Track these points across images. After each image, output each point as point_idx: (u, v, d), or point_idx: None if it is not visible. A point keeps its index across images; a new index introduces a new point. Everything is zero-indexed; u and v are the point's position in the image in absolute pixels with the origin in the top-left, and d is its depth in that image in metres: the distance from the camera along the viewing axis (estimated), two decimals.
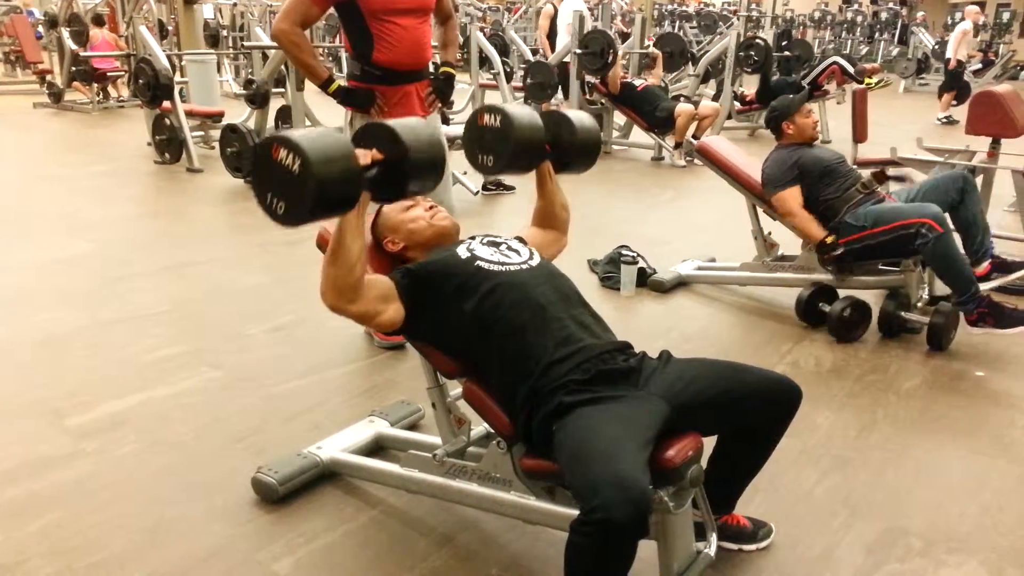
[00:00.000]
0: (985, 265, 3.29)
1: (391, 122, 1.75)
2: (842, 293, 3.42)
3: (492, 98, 9.44)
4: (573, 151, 2.08)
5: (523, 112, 1.97)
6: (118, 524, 2.03)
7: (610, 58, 6.97)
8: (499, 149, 1.95)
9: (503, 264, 1.85)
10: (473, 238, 1.97)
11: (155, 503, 2.13)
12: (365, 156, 1.67)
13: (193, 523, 2.05)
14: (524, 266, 1.87)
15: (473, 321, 1.78)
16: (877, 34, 20.00)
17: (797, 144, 3.50)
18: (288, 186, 1.55)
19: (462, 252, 1.88)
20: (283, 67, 6.39)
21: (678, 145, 7.08)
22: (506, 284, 1.80)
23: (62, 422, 2.52)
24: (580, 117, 2.10)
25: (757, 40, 8.37)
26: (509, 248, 1.93)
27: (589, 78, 7.35)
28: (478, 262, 1.84)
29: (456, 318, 1.80)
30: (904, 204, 3.30)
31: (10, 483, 2.19)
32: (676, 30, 14.81)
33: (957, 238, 3.23)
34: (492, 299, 1.78)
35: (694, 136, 6.98)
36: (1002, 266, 3.42)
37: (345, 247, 1.68)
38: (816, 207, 3.41)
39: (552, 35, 8.08)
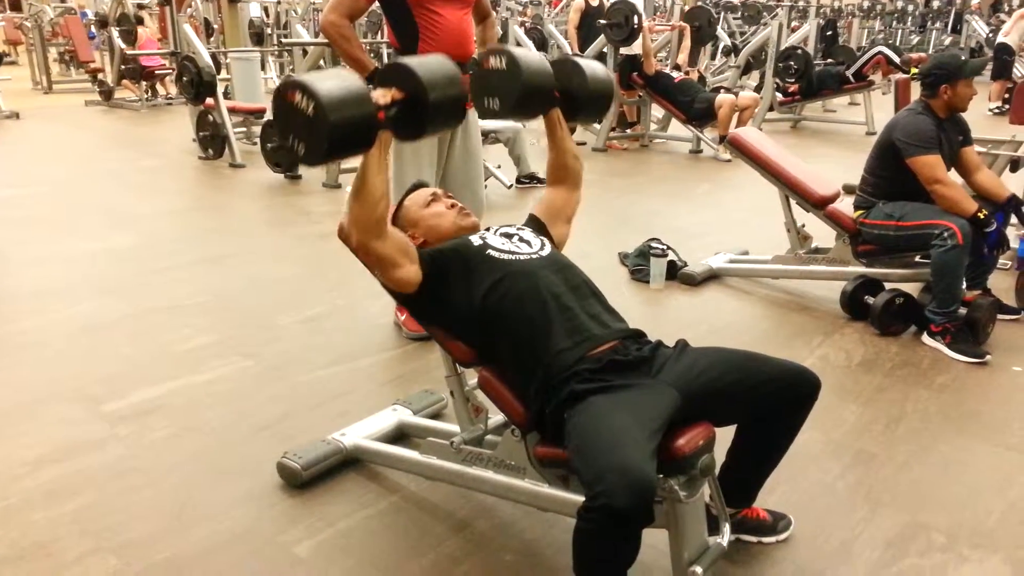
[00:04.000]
0: (974, 293, 3.22)
1: (409, 60, 1.75)
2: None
3: None
4: (584, 98, 2.04)
5: (531, 55, 1.95)
6: (148, 506, 2.10)
7: (635, 23, 6.89)
8: (505, 92, 1.91)
9: (513, 254, 1.87)
10: (487, 228, 1.99)
11: (183, 486, 2.19)
12: (385, 95, 1.69)
13: (219, 506, 2.11)
14: (534, 256, 1.88)
15: (482, 310, 1.80)
16: (929, 23, 19.48)
17: (936, 116, 3.20)
18: (305, 128, 1.59)
19: (475, 240, 1.91)
20: (321, 63, 6.48)
21: (722, 139, 6.99)
22: (515, 274, 1.82)
23: (98, 408, 2.61)
24: (591, 65, 2.06)
25: (797, 50, 8.23)
26: (521, 239, 1.94)
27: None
28: (489, 251, 1.87)
29: (466, 304, 1.83)
30: (938, 207, 3.22)
31: (47, 465, 2.28)
32: (719, 22, 14.61)
33: None
34: (500, 289, 1.80)
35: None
36: (987, 295, 3.31)
37: (368, 184, 1.72)
38: (905, 182, 3.22)
39: (582, 28, 8.03)
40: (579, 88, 2.02)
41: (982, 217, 3.07)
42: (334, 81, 1.60)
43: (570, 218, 2.15)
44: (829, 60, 9.15)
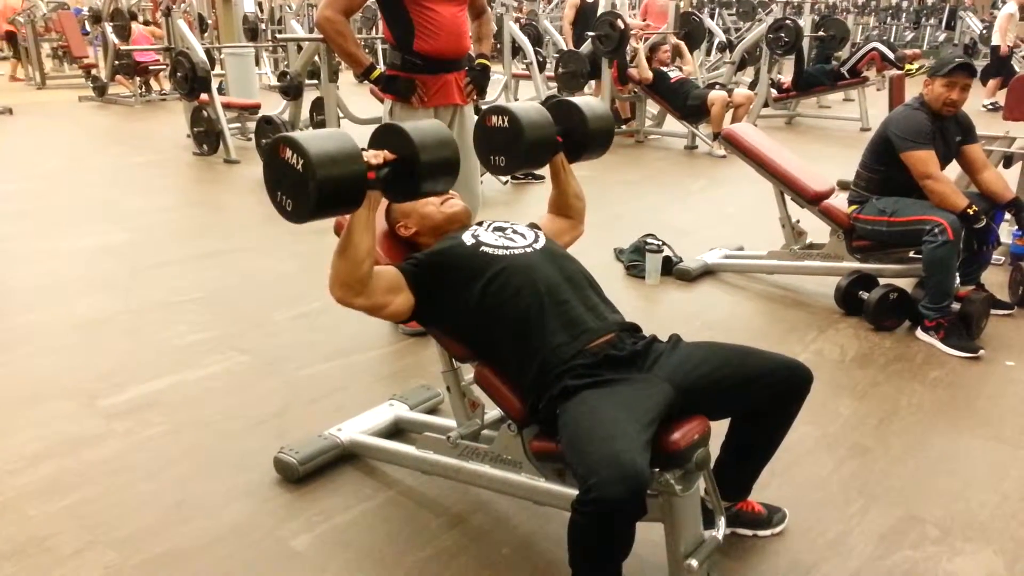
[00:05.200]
0: (968, 289, 3.25)
1: (403, 124, 1.77)
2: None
3: (525, 88, 9.45)
4: (587, 140, 2.07)
5: (530, 109, 1.97)
6: (144, 501, 2.11)
7: (622, 28, 6.89)
8: (510, 149, 1.95)
9: (507, 248, 1.87)
10: (480, 224, 1.99)
11: (180, 481, 2.20)
12: (377, 156, 1.70)
13: (216, 500, 2.11)
14: (528, 249, 1.88)
15: (479, 306, 1.80)
16: (923, 19, 19.51)
17: (932, 112, 3.21)
18: (294, 185, 1.60)
19: (467, 239, 1.91)
20: (316, 58, 6.46)
21: (716, 136, 7.00)
22: (510, 268, 1.82)
23: (95, 403, 2.61)
24: (590, 104, 2.08)
25: (787, 21, 8.19)
26: (514, 231, 1.95)
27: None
28: (482, 248, 1.87)
29: (463, 304, 1.83)
30: (929, 203, 3.22)
31: (44, 461, 2.28)
32: (714, 18, 14.63)
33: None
34: (496, 283, 1.80)
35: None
36: (981, 290, 3.33)
37: (354, 243, 1.73)
38: (899, 178, 3.24)
39: (577, 24, 8.02)
40: (580, 129, 2.05)
41: (972, 213, 3.08)
42: (325, 140, 1.61)
43: (568, 245, 2.14)
44: (822, 33, 9.03)
